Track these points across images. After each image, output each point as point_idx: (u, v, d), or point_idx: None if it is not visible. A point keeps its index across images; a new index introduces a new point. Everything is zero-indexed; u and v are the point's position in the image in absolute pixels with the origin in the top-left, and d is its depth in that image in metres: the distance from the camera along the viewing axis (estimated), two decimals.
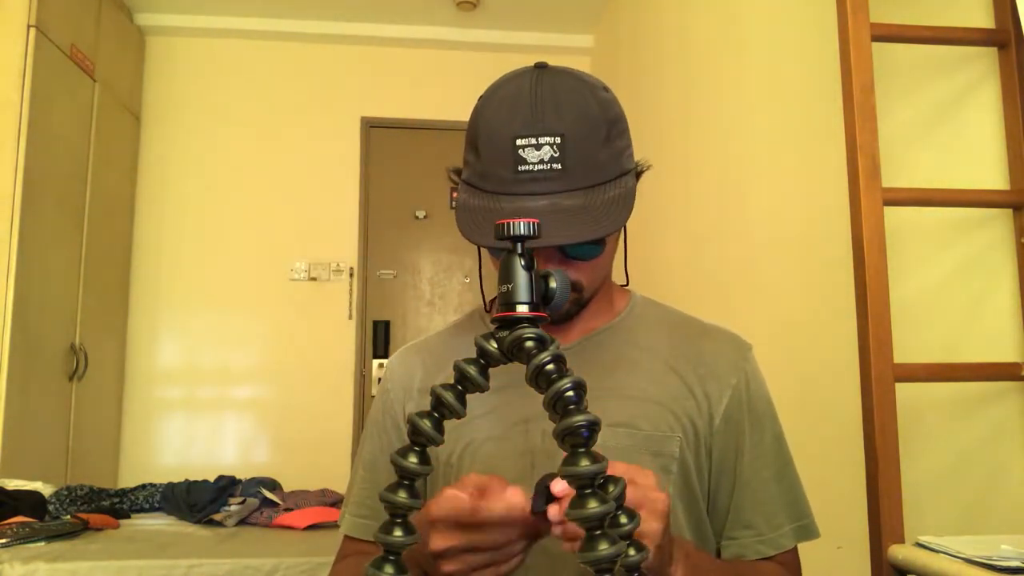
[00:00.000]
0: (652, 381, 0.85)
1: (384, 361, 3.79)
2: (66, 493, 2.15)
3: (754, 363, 0.90)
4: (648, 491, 0.61)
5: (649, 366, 0.86)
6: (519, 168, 0.78)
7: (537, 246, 0.74)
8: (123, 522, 2.11)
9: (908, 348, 1.18)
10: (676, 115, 2.65)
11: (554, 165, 0.78)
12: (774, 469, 0.86)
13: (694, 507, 0.84)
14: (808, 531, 0.86)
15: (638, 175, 0.86)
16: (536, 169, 0.78)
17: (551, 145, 0.78)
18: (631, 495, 0.58)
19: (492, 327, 0.52)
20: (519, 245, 0.47)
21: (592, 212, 0.76)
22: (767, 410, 0.88)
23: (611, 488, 0.51)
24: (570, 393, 0.46)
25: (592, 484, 0.43)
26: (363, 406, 3.77)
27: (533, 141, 0.78)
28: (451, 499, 0.61)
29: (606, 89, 0.83)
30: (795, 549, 0.86)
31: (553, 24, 3.91)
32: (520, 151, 0.78)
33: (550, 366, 0.47)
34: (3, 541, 1.78)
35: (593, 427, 0.43)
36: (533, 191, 0.78)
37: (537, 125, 0.78)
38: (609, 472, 0.48)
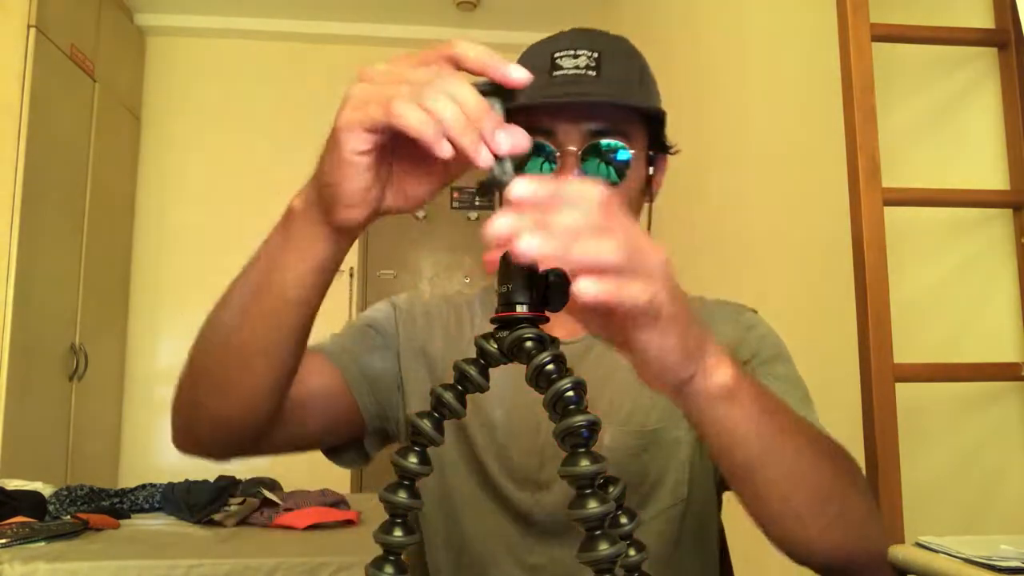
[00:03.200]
0: None
1: None
2: (66, 493, 2.15)
3: (755, 319, 0.86)
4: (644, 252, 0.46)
5: None
6: (553, 74, 0.77)
7: (553, 101, 0.75)
8: (123, 522, 2.11)
9: (908, 348, 1.18)
10: (675, 115, 2.65)
11: (589, 72, 0.77)
12: (795, 399, 0.77)
13: (707, 485, 0.82)
14: None
15: (666, 148, 0.85)
16: (570, 73, 0.77)
17: (588, 56, 0.77)
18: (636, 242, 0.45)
19: (489, 315, 0.52)
20: None
21: (627, 100, 0.77)
22: (777, 353, 0.82)
23: (611, 488, 0.51)
24: (570, 393, 0.46)
25: (592, 484, 0.43)
26: None
27: (571, 53, 0.78)
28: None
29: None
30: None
31: (553, 24, 3.88)
32: (556, 60, 0.77)
33: (550, 366, 0.47)
34: (3, 541, 1.78)
35: (593, 427, 0.43)
36: (566, 91, 0.76)
37: (578, 41, 0.79)
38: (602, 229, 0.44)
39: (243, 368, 0.62)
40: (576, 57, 0.77)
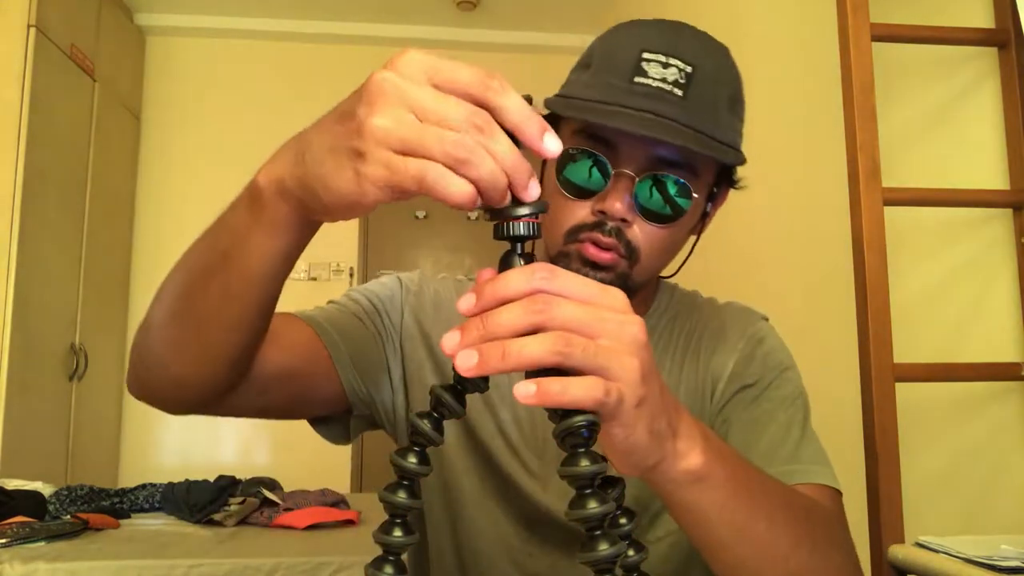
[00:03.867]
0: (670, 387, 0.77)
1: None
2: (66, 493, 2.15)
3: (765, 330, 0.83)
4: (610, 312, 0.43)
5: (667, 372, 0.81)
6: (635, 79, 0.68)
7: (628, 129, 0.66)
8: (123, 522, 2.11)
9: (908, 348, 1.18)
10: None
11: (676, 90, 0.68)
12: (792, 421, 0.75)
13: None
14: (833, 479, 0.72)
15: (733, 183, 0.77)
16: (654, 86, 0.67)
17: (680, 70, 0.68)
18: (585, 318, 0.42)
19: None
20: (519, 245, 0.47)
21: (702, 140, 0.67)
22: (780, 375, 0.79)
23: (611, 489, 0.51)
24: None
25: (592, 484, 0.43)
26: None
27: (662, 59, 0.68)
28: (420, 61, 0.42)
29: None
30: (832, 494, 0.71)
31: (553, 24, 3.91)
32: (643, 63, 0.68)
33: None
34: (3, 541, 1.78)
35: (593, 427, 0.43)
36: (643, 107, 0.67)
37: (672, 45, 0.69)
38: (554, 289, 0.42)
39: (198, 335, 0.59)
40: (666, 67, 0.68)
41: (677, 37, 0.71)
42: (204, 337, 0.60)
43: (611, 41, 0.73)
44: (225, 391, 0.64)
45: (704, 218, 0.78)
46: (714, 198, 0.77)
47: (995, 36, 1.21)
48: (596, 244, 0.71)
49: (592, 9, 3.71)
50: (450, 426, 0.81)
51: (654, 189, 0.70)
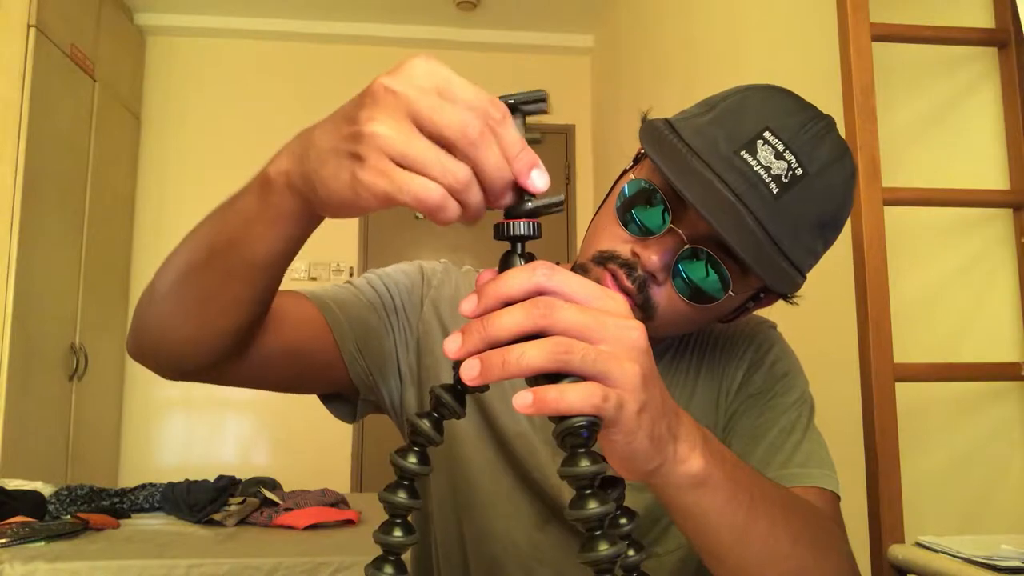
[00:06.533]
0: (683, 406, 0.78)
1: None
2: (66, 493, 2.15)
3: (773, 337, 0.83)
4: (611, 317, 0.43)
5: (680, 388, 0.81)
6: (741, 153, 0.63)
7: (696, 205, 0.61)
8: (123, 522, 2.11)
9: (908, 348, 1.18)
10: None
11: (772, 186, 0.63)
12: (793, 426, 0.75)
13: None
14: (829, 481, 0.72)
15: (785, 297, 0.71)
16: (755, 169, 0.63)
17: (790, 168, 0.63)
18: (586, 323, 0.42)
19: None
20: (519, 245, 0.46)
21: (768, 253, 0.63)
22: (785, 382, 0.79)
23: (611, 489, 0.51)
24: None
25: (592, 484, 0.43)
26: None
27: (780, 146, 0.63)
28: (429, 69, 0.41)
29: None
30: (828, 497, 0.71)
31: (553, 24, 3.91)
32: (759, 141, 0.64)
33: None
34: (3, 541, 1.78)
35: (593, 427, 0.43)
36: (729, 183, 0.62)
37: (797, 136, 0.64)
38: (554, 286, 0.43)
39: (198, 310, 0.61)
40: (778, 157, 0.63)
41: (810, 131, 0.65)
42: (204, 313, 0.61)
43: (745, 99, 0.69)
44: (223, 363, 0.65)
45: (739, 311, 0.74)
46: (758, 299, 0.73)
47: (995, 36, 1.21)
48: (616, 278, 0.68)
49: (592, 9, 3.71)
50: (469, 425, 0.80)
51: (700, 263, 0.66)
